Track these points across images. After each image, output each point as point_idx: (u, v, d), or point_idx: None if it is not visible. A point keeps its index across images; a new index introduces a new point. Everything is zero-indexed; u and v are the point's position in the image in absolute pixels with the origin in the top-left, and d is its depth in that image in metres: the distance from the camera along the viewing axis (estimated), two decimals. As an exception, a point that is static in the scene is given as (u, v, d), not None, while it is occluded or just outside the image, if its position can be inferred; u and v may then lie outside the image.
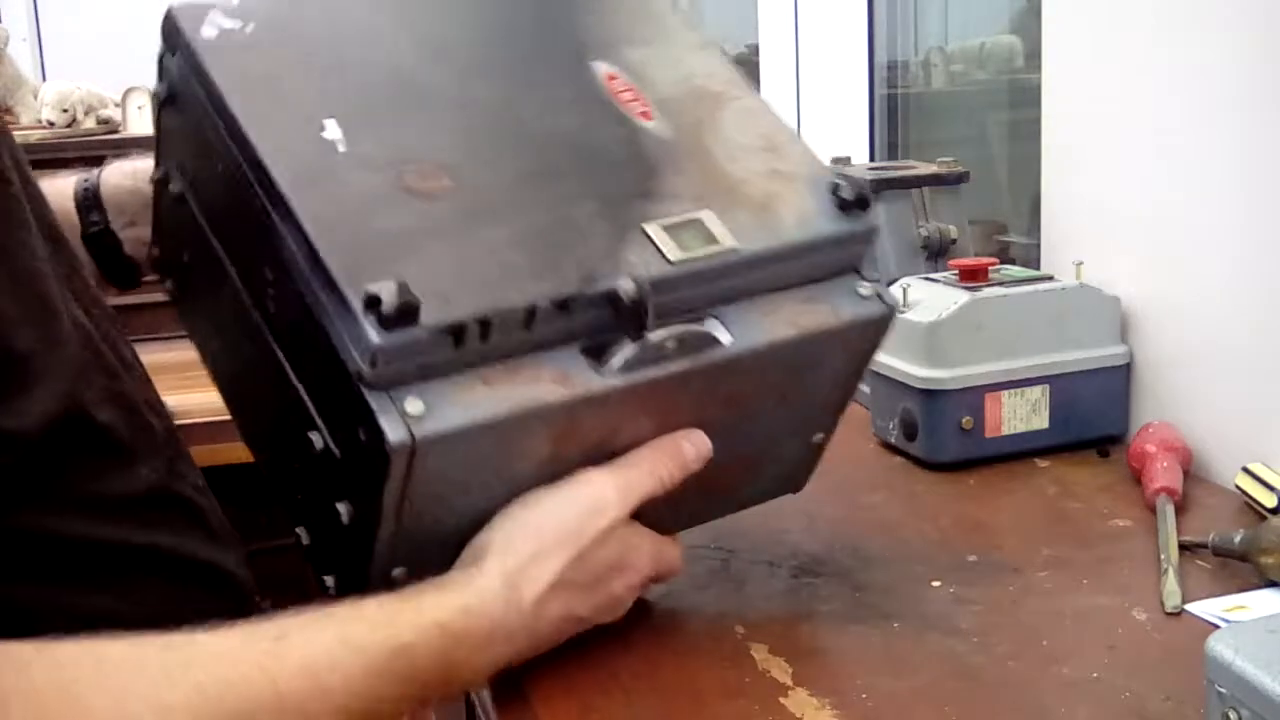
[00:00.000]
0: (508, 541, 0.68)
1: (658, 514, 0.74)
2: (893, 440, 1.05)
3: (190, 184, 0.76)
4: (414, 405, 0.61)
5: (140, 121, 2.45)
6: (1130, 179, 1.06)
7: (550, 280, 0.65)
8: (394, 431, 0.60)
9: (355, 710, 0.60)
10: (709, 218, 0.71)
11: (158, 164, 0.79)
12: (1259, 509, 0.89)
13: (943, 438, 1.01)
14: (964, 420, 1.00)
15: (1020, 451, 1.02)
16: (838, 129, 1.76)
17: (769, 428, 0.78)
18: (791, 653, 0.72)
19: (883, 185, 1.18)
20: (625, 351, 0.67)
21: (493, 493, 0.68)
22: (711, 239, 0.70)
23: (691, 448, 0.73)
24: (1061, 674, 0.69)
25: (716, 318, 0.71)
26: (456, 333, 0.62)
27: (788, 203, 0.74)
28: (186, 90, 0.71)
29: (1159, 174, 1.03)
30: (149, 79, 0.77)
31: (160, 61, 0.73)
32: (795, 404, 0.78)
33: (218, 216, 0.74)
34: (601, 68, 0.77)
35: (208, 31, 0.70)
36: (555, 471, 0.69)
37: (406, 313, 0.60)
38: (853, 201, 0.74)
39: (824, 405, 0.80)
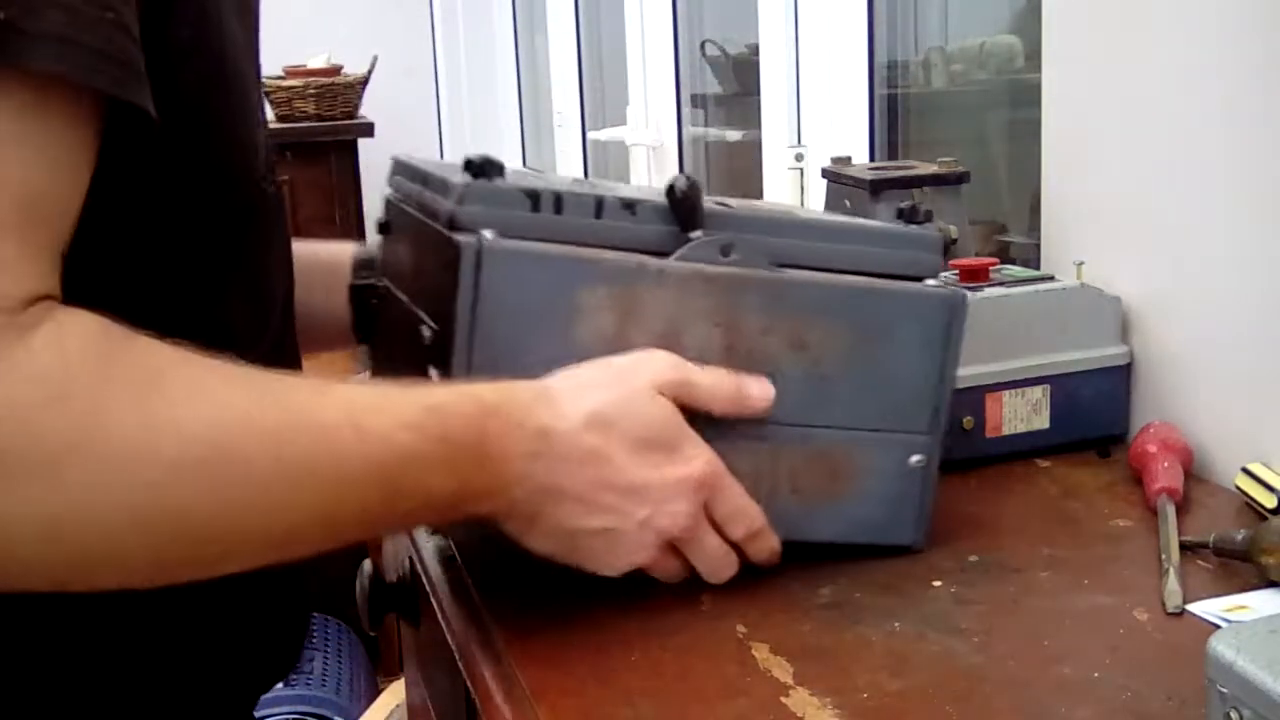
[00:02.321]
0: (549, 379, 0.72)
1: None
2: (893, 440, 1.05)
3: (395, 275, 0.88)
4: (489, 234, 0.72)
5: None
6: (1131, 178, 1.06)
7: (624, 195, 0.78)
8: (466, 239, 0.71)
9: (389, 465, 0.63)
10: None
11: (366, 278, 0.94)
12: (1259, 509, 0.89)
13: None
14: (964, 420, 1.00)
15: (1021, 451, 1.02)
16: (838, 129, 1.76)
17: (848, 405, 0.80)
18: (792, 652, 0.72)
19: (883, 185, 1.18)
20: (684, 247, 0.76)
21: (559, 360, 0.73)
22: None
23: (755, 384, 0.76)
24: (1061, 674, 0.69)
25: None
26: (533, 196, 0.74)
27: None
28: (397, 216, 0.88)
29: (1160, 173, 1.03)
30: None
31: (385, 200, 0.92)
32: (871, 384, 0.80)
33: (414, 286, 0.84)
34: None
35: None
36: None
37: (491, 166, 0.74)
38: (910, 212, 0.85)
39: (907, 406, 0.81)
